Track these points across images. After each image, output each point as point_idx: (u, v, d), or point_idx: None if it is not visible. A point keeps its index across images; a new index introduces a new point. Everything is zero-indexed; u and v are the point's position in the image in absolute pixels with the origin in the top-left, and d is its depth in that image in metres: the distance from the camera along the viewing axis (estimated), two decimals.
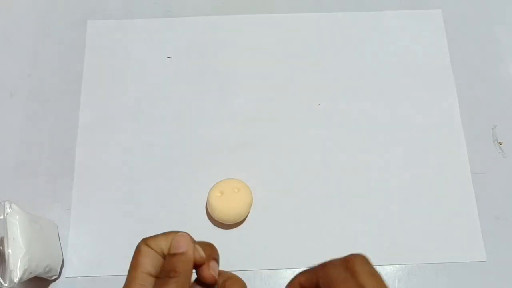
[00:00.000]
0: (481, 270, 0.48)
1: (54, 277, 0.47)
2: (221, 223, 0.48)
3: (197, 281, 0.33)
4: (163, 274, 0.31)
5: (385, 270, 0.48)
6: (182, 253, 0.32)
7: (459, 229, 0.49)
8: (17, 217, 0.42)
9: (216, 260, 0.34)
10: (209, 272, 0.33)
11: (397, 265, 0.48)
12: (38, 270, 0.43)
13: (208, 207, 0.48)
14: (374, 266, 0.34)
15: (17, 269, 0.40)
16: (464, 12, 0.58)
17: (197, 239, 0.49)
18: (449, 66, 0.56)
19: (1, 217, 0.41)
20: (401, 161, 0.52)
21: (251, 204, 0.48)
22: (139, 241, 0.34)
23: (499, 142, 0.53)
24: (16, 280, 0.40)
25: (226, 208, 0.47)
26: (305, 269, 0.36)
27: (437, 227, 0.49)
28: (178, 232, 0.34)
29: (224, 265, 0.47)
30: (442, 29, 0.57)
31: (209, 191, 0.48)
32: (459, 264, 0.48)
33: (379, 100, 0.54)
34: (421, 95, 0.54)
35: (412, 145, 0.52)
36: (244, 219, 0.49)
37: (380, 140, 0.53)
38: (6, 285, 0.40)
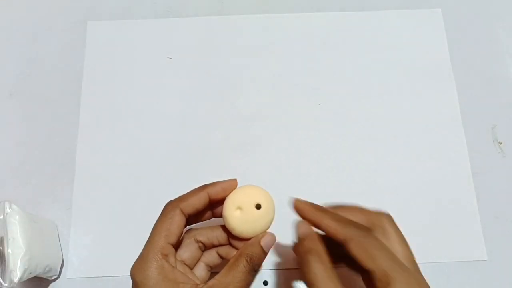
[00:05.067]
0: (482, 269, 0.48)
1: (54, 277, 0.47)
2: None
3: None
4: (250, 260, 0.36)
5: None
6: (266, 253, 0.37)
7: (460, 229, 0.49)
8: (17, 217, 0.42)
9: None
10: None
11: None
12: (38, 270, 0.43)
13: (225, 224, 0.39)
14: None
15: (17, 269, 0.40)
16: (464, 12, 0.58)
17: None
18: (449, 66, 0.56)
19: (1, 217, 0.41)
20: (401, 161, 0.52)
21: (273, 219, 0.40)
22: (167, 203, 0.38)
23: (499, 142, 0.53)
24: (16, 280, 0.40)
25: (246, 229, 0.38)
26: (325, 208, 0.38)
27: (437, 227, 0.49)
28: (207, 186, 0.39)
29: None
30: (442, 29, 0.57)
31: (225, 203, 0.39)
32: (460, 264, 0.48)
33: (379, 100, 0.54)
34: (421, 95, 0.54)
35: (412, 145, 0.52)
36: None
37: (380, 140, 0.53)
38: (6, 285, 0.40)
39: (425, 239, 0.49)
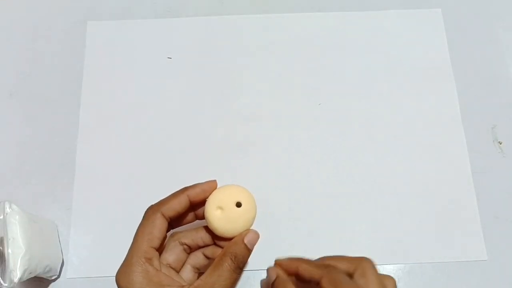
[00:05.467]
0: (482, 269, 0.48)
1: (54, 277, 0.47)
2: None
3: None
4: (234, 258, 0.36)
5: (385, 270, 0.48)
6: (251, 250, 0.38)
7: (460, 229, 0.49)
8: (17, 217, 0.42)
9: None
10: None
11: (397, 265, 0.48)
12: (38, 270, 0.43)
13: (208, 225, 0.40)
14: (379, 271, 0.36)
15: (17, 269, 0.40)
16: (464, 12, 0.58)
17: None
18: (449, 66, 0.56)
19: (1, 217, 0.41)
20: (401, 161, 0.52)
21: (255, 217, 0.40)
22: (148, 208, 0.38)
23: (499, 142, 0.53)
24: (16, 280, 0.40)
25: (229, 228, 0.39)
26: (304, 258, 0.38)
27: (437, 227, 0.49)
28: (187, 189, 0.39)
29: None
30: (442, 29, 0.57)
31: (206, 204, 0.39)
32: (459, 264, 0.48)
33: (379, 100, 0.54)
34: (421, 95, 0.54)
35: (412, 145, 0.52)
36: None
37: (380, 140, 0.53)
38: (6, 285, 0.40)
39: (425, 239, 0.49)
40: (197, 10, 0.58)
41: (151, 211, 0.38)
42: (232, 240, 0.38)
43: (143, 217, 0.38)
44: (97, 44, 0.56)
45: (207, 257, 0.40)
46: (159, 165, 0.51)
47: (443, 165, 0.52)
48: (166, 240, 0.39)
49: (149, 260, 0.36)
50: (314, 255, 0.48)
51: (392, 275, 0.47)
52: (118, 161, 0.52)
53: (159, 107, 0.54)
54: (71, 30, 0.57)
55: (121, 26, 0.57)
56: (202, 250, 0.40)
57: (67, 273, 0.48)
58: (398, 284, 0.47)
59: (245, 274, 0.48)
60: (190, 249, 0.40)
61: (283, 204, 0.50)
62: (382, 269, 0.48)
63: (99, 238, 0.49)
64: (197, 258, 0.40)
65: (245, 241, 0.37)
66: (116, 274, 0.36)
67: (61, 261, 0.47)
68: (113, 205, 0.50)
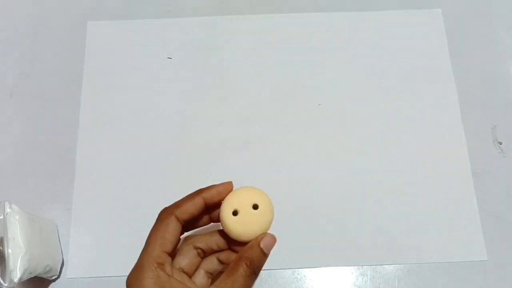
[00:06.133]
0: (482, 269, 0.48)
1: (54, 277, 0.47)
2: None
3: None
4: (250, 264, 0.35)
5: (385, 270, 0.48)
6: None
7: (460, 229, 0.49)
8: (17, 217, 0.42)
9: None
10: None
11: (397, 265, 0.48)
12: (38, 270, 0.43)
13: (223, 228, 0.38)
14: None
15: (17, 269, 0.40)
16: (464, 12, 0.58)
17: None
18: (449, 66, 0.56)
19: (1, 217, 0.41)
20: (401, 161, 0.52)
21: (272, 220, 0.38)
22: (161, 211, 0.37)
23: (499, 142, 0.53)
24: (16, 280, 0.40)
25: (245, 232, 0.37)
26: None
27: (437, 227, 0.49)
28: (202, 190, 0.38)
29: None
30: (442, 29, 0.57)
31: (221, 207, 0.38)
32: (459, 264, 0.48)
33: (379, 100, 0.54)
34: (421, 95, 0.54)
35: (412, 145, 0.52)
36: None
37: (380, 140, 0.53)
38: (6, 285, 0.40)
39: (425, 239, 0.49)
40: (197, 10, 0.58)
41: (165, 214, 0.36)
42: (248, 245, 0.36)
43: (156, 220, 0.37)
44: (97, 44, 0.56)
45: (221, 262, 0.39)
46: (159, 165, 0.52)
47: (443, 165, 0.51)
48: (179, 244, 0.38)
49: (161, 265, 0.35)
50: (313, 254, 0.48)
51: (392, 275, 0.48)
52: (118, 161, 0.52)
53: (159, 107, 0.54)
54: (71, 30, 0.57)
55: (121, 26, 0.57)
56: (216, 255, 0.39)
57: (67, 273, 0.48)
58: (398, 284, 0.47)
59: None
60: (204, 254, 0.39)
61: (282, 204, 0.50)
62: (382, 269, 0.48)
63: (99, 238, 0.49)
64: (211, 263, 0.39)
65: (261, 245, 0.36)
66: (127, 278, 0.35)
67: (61, 261, 0.47)
68: (113, 205, 0.50)
